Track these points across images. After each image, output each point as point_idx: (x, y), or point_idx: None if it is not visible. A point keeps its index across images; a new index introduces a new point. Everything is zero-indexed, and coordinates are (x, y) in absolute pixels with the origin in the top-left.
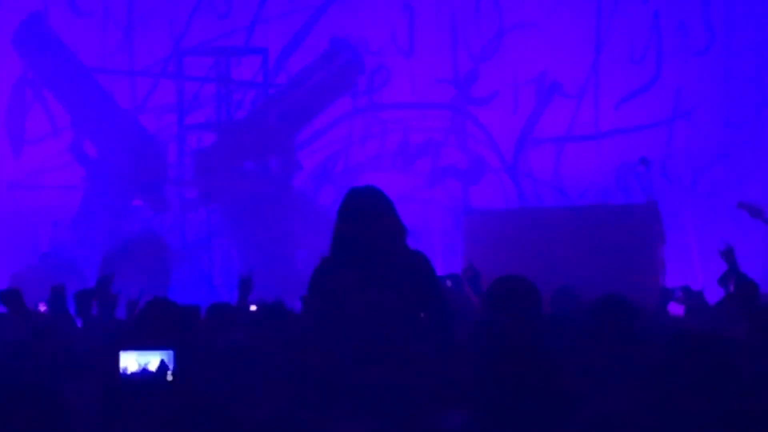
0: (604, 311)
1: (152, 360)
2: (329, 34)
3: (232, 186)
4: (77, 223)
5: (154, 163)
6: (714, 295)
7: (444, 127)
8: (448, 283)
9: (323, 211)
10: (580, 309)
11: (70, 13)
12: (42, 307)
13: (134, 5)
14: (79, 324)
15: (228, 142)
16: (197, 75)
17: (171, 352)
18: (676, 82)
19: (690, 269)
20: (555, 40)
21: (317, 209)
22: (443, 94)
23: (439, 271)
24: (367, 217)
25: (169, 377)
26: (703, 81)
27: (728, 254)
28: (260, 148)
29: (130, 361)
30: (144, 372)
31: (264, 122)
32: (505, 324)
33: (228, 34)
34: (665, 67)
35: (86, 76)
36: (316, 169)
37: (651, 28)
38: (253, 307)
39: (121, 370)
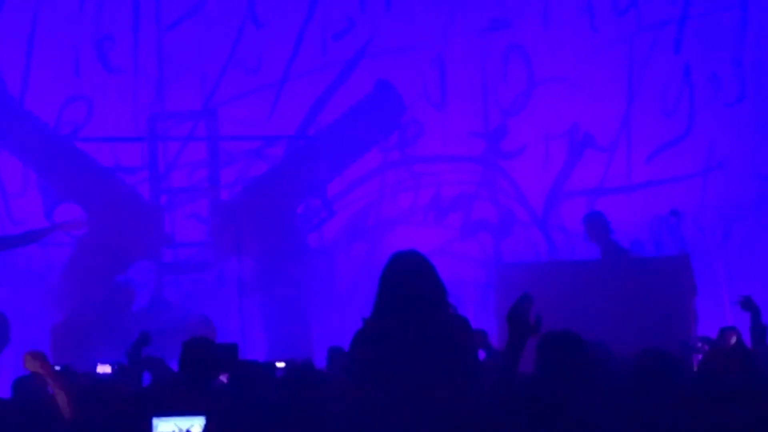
0: (645, 365)
1: (194, 424)
2: (361, 87)
3: (258, 241)
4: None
5: (153, 226)
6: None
7: (475, 181)
8: None
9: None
10: (614, 363)
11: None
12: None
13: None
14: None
15: (254, 196)
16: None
17: (203, 418)
18: (709, 134)
19: (722, 322)
20: (586, 92)
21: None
22: (474, 147)
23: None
24: (410, 281)
25: None
26: (735, 132)
27: (747, 303)
28: (291, 200)
29: (166, 427)
30: None
31: (296, 172)
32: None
33: (260, 88)
34: (697, 118)
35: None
36: (347, 223)
37: (683, 79)
38: (280, 364)
39: None
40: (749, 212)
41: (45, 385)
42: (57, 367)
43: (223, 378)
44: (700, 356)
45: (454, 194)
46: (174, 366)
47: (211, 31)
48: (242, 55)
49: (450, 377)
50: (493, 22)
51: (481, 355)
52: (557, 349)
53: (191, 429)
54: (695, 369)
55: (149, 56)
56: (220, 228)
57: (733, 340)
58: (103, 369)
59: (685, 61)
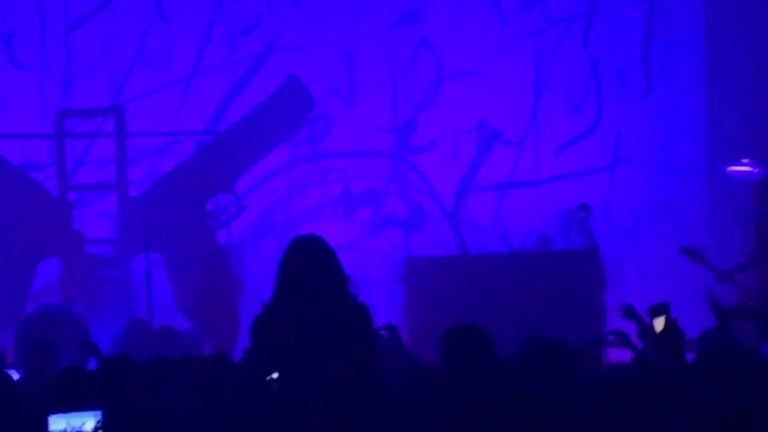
0: (538, 354)
1: (86, 421)
2: (269, 83)
3: (167, 238)
4: None
5: (60, 223)
6: None
7: (384, 176)
8: (384, 333)
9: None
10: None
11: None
12: None
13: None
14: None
15: (165, 191)
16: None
17: (99, 413)
18: (616, 128)
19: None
20: (494, 87)
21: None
22: (383, 142)
23: (380, 320)
24: (309, 265)
25: None
26: (642, 126)
27: (628, 313)
28: (200, 196)
29: (59, 424)
30: None
31: (205, 168)
32: (468, 377)
33: (168, 84)
34: (605, 113)
35: None
36: (256, 219)
37: (590, 74)
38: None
39: None
40: (657, 206)
41: None
42: None
43: None
44: (610, 349)
45: (364, 189)
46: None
47: (118, 26)
48: (150, 51)
49: (348, 362)
50: (402, 18)
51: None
52: (462, 342)
53: (83, 427)
54: (605, 362)
55: (56, 52)
56: (129, 225)
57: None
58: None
59: (592, 56)
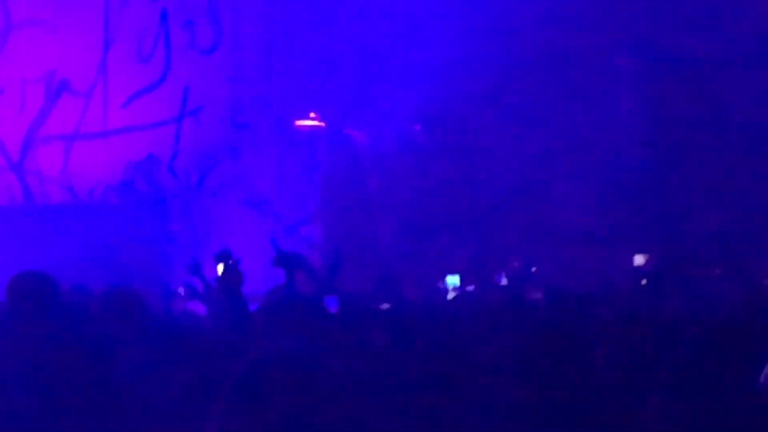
0: (113, 303)
1: None
2: None
3: None
4: None
5: None
6: None
7: None
8: None
9: None
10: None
11: None
12: None
13: None
14: None
15: None
16: None
17: None
18: (185, 81)
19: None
20: (62, 37)
21: None
22: None
23: None
24: None
25: None
26: (210, 80)
27: (193, 269)
28: None
29: None
30: None
31: None
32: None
33: None
34: (174, 65)
35: None
36: None
37: (159, 25)
38: None
39: None
40: (224, 158)
41: None
42: None
43: None
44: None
45: None
46: None
47: None
48: None
49: None
50: None
51: None
52: (27, 288)
53: None
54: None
55: None
56: None
57: None
58: None
59: (161, 8)
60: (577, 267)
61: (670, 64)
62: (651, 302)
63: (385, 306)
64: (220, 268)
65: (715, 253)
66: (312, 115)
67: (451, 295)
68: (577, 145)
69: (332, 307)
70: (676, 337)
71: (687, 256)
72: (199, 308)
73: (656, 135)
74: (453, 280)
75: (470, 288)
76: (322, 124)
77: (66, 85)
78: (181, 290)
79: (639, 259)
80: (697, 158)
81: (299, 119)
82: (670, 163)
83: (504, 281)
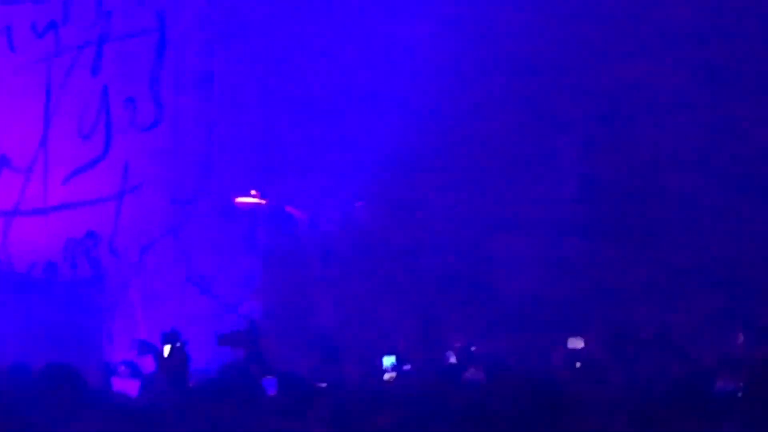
0: (51, 379)
1: None
2: None
3: None
4: None
5: None
6: None
7: None
8: None
9: None
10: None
11: None
12: None
13: None
14: None
15: None
16: None
17: None
18: (125, 157)
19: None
20: (3, 114)
21: None
22: None
23: None
24: None
25: None
26: (151, 156)
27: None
28: None
29: None
30: None
31: None
32: None
33: None
34: (114, 142)
35: None
36: None
37: (100, 102)
38: None
39: None
40: (163, 236)
41: None
42: None
43: None
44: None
45: None
46: None
47: None
48: None
49: None
50: None
51: None
52: None
53: None
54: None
55: None
56: None
57: None
58: None
59: (103, 84)
60: (517, 347)
61: (607, 144)
62: (589, 383)
63: (323, 384)
64: (167, 349)
65: (652, 333)
66: (252, 192)
67: (388, 376)
68: (517, 224)
69: (271, 387)
70: (613, 417)
71: (624, 336)
72: (137, 387)
73: (594, 215)
74: (389, 360)
75: (407, 367)
76: (263, 201)
77: (6, 162)
78: (122, 368)
79: (574, 342)
80: (635, 238)
81: (240, 196)
82: (608, 244)
83: (445, 360)
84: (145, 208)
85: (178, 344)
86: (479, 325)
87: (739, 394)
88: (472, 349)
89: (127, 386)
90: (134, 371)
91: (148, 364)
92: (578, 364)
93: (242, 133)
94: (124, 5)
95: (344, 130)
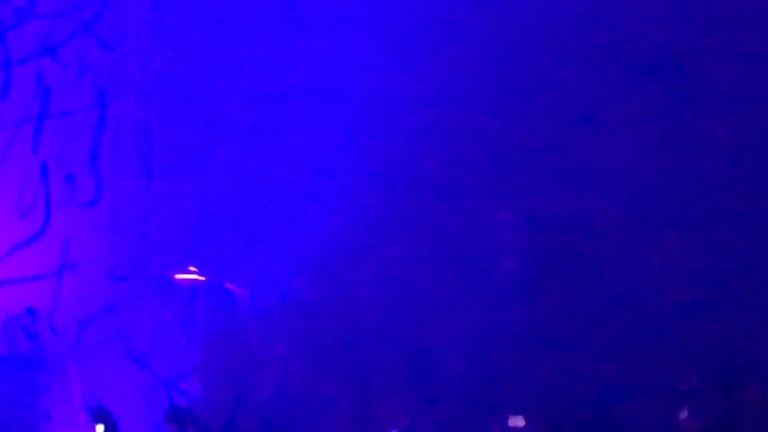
0: None
1: None
2: None
3: None
4: None
5: None
6: None
7: None
8: None
9: None
10: None
11: None
12: None
13: None
14: None
15: None
16: None
17: None
18: (64, 234)
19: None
20: None
21: None
22: None
23: None
24: None
25: None
26: (90, 233)
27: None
28: None
29: None
30: None
31: None
32: None
33: None
34: (53, 219)
35: None
36: None
37: (40, 179)
38: None
39: None
40: (102, 312)
41: None
42: None
43: None
44: None
45: None
46: None
47: None
48: None
49: None
50: None
51: None
52: None
53: None
54: None
55: None
56: None
57: None
58: None
59: (41, 161)
60: (459, 426)
61: (549, 221)
62: None
63: None
64: (100, 429)
65: (590, 415)
66: (191, 269)
67: None
68: (456, 303)
69: None
70: None
71: (564, 415)
72: None
73: (533, 292)
74: None
75: None
76: (202, 278)
77: None
78: None
79: (515, 420)
80: (576, 320)
81: (178, 273)
82: (548, 325)
83: None
84: (84, 284)
85: (110, 421)
86: (421, 403)
87: None
88: (414, 428)
89: None
90: None
91: None
92: None
93: (181, 209)
94: (64, 81)
95: (283, 206)
